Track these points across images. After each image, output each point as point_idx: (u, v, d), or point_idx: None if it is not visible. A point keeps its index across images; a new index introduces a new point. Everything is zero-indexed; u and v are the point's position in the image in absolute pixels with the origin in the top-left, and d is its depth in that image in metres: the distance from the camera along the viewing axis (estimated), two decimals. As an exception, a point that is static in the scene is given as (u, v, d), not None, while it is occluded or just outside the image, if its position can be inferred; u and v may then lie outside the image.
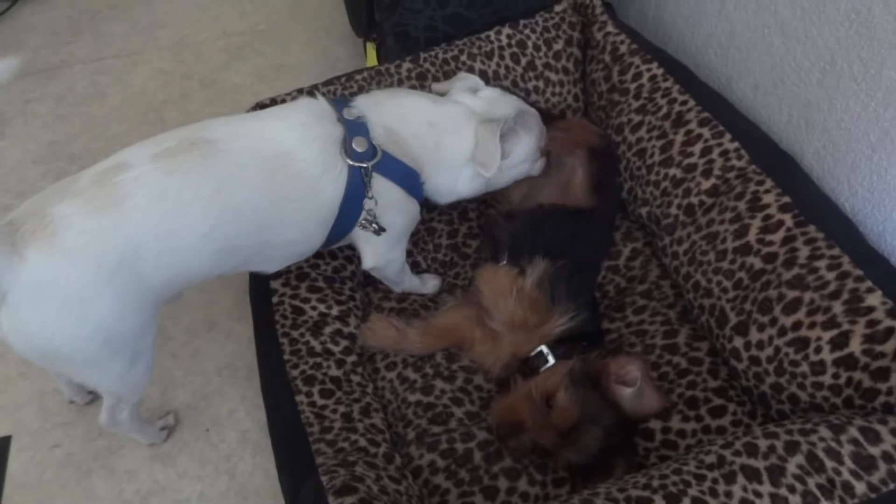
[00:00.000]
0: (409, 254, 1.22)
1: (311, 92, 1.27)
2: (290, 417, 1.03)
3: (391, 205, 1.04)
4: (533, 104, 1.38)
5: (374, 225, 1.04)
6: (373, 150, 0.99)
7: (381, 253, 1.11)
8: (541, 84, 1.38)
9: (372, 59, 1.63)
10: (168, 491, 1.13)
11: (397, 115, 1.03)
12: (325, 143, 0.97)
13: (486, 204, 1.37)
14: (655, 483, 0.80)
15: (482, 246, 1.30)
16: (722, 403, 1.02)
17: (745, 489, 0.76)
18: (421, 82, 1.32)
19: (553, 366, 1.02)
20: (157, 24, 2.08)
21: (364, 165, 0.98)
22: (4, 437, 1.19)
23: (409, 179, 1.04)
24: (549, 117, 1.36)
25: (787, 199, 1.02)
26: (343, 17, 1.85)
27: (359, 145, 0.98)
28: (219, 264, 0.96)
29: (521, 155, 1.13)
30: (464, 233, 1.34)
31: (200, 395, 1.25)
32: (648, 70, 1.25)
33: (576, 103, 1.42)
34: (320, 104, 1.01)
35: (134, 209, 0.83)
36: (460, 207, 1.37)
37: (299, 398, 1.05)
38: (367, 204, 1.01)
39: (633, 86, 1.26)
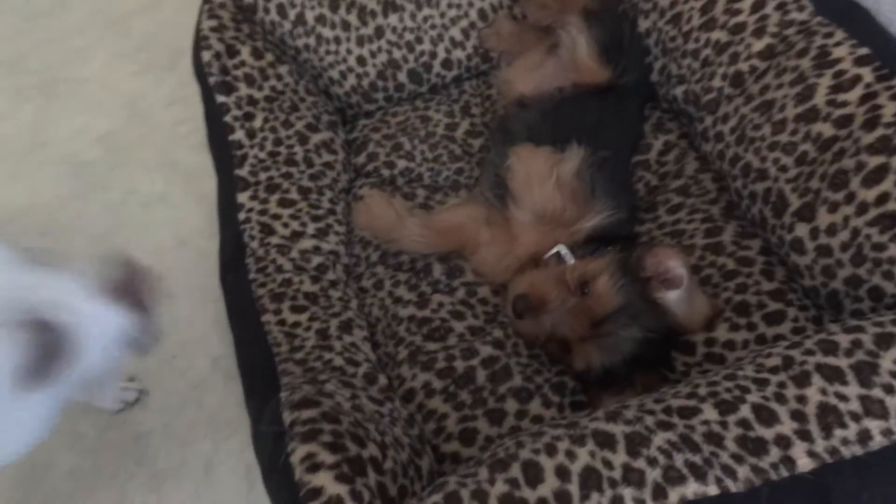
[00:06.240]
0: (391, 136, 1.02)
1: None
2: (254, 339, 0.87)
3: None
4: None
5: None
6: None
7: None
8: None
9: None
10: (128, 424, 0.99)
11: None
12: None
13: (490, 99, 1.18)
14: (703, 391, 0.63)
15: (490, 143, 1.11)
16: (780, 308, 0.83)
17: (823, 392, 0.58)
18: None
19: (588, 259, 0.85)
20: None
21: None
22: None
23: None
24: None
25: (864, 49, 0.81)
26: None
27: None
28: None
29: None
30: (465, 129, 1.15)
31: (167, 319, 1.09)
32: (681, -82, 1.03)
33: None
34: None
35: None
36: (462, 101, 1.18)
37: (266, 317, 0.88)
38: None
39: (663, -61, 1.04)
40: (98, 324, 0.61)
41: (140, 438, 0.99)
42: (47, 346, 0.58)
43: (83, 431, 1.00)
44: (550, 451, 0.59)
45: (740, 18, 0.93)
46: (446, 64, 1.16)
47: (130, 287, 0.64)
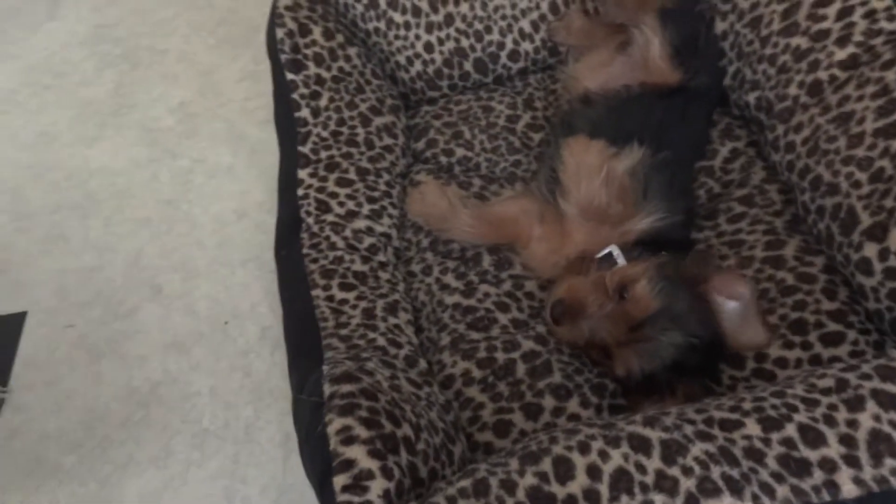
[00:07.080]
0: (452, 124, 1.02)
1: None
2: (302, 312, 0.90)
3: None
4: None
5: None
6: None
7: None
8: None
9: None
10: (178, 383, 1.04)
11: None
12: None
13: (554, 94, 1.17)
14: (748, 405, 0.61)
15: (550, 137, 1.10)
16: (839, 330, 0.80)
17: (877, 418, 0.55)
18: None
19: (631, 263, 0.83)
20: None
21: None
22: (20, 313, 1.12)
23: None
24: None
25: (958, 64, 0.77)
26: None
27: None
28: None
29: None
30: (526, 122, 1.14)
31: (222, 287, 1.14)
32: (773, -83, 0.99)
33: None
34: None
35: None
36: (526, 94, 1.17)
37: (315, 292, 0.90)
38: None
39: (750, -62, 1.01)
40: None
41: (188, 398, 1.03)
42: None
43: (137, 385, 1.05)
44: (583, 448, 0.59)
45: (824, 25, 0.89)
46: (513, 55, 1.16)
47: None
